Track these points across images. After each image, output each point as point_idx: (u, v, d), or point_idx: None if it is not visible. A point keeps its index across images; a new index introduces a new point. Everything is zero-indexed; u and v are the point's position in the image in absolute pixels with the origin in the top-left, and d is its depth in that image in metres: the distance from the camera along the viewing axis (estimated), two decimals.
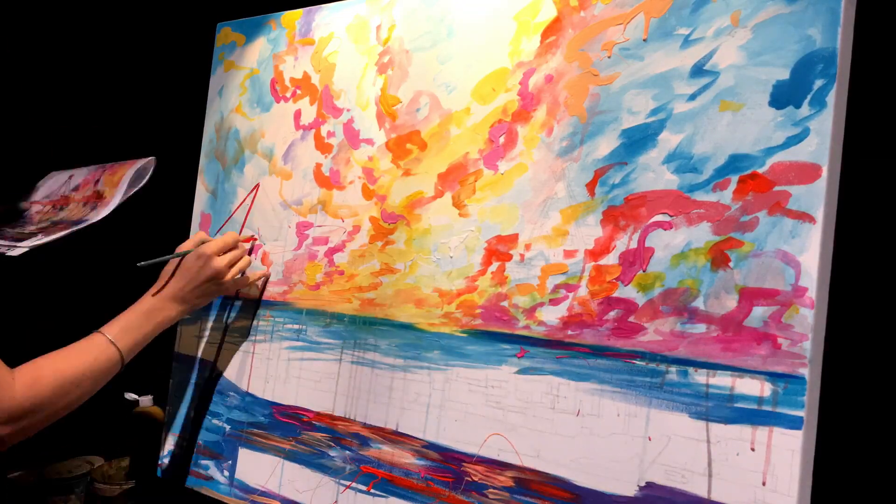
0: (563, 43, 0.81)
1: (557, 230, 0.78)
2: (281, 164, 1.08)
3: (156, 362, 1.23)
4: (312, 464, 0.96)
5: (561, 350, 0.76)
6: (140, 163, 1.01)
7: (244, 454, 1.05)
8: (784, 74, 0.66)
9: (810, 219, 0.63)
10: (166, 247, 1.29)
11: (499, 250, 0.83)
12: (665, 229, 0.71)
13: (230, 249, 1.03)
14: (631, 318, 0.72)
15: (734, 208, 0.67)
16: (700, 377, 0.67)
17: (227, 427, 1.08)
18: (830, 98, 0.63)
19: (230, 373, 1.09)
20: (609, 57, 0.77)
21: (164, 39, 1.36)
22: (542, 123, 0.81)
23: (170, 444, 1.15)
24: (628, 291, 0.72)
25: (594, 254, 0.75)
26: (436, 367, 0.86)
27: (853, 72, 0.65)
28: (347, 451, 0.93)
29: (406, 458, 0.87)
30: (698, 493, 0.66)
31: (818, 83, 0.64)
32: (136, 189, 1.00)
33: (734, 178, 0.67)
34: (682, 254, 0.70)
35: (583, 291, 0.75)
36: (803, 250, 0.63)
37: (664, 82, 0.73)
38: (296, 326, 1.02)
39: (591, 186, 0.76)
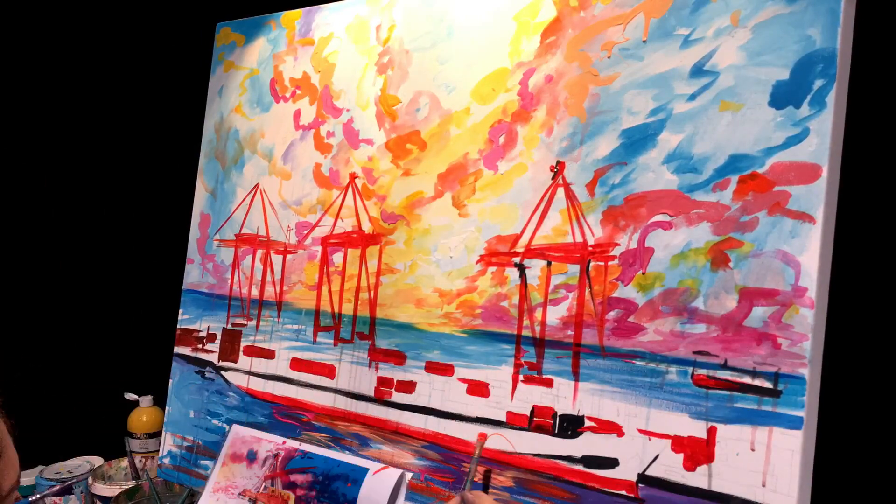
0: (562, 43, 0.81)
1: (557, 230, 0.78)
2: (280, 164, 1.08)
3: (156, 362, 1.23)
4: None
5: (561, 350, 0.76)
6: None
7: None
8: (784, 74, 0.66)
9: (810, 219, 0.63)
10: (166, 246, 1.29)
11: (499, 250, 0.83)
12: (665, 229, 0.71)
13: None
14: (631, 318, 0.72)
15: (734, 208, 0.67)
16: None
17: (227, 427, 1.08)
18: (830, 98, 0.63)
19: (230, 373, 1.09)
20: (609, 57, 0.77)
21: (164, 39, 1.36)
22: (542, 123, 0.81)
23: (170, 444, 1.15)
24: (628, 291, 0.72)
25: (594, 254, 0.75)
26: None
27: (853, 72, 0.65)
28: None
29: (406, 458, 0.87)
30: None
31: (818, 83, 0.64)
32: None
33: (734, 179, 0.67)
34: (682, 254, 0.69)
35: (583, 291, 0.75)
36: (803, 250, 0.63)
37: (664, 82, 0.73)
38: (296, 326, 1.02)
39: (590, 186, 0.76)
